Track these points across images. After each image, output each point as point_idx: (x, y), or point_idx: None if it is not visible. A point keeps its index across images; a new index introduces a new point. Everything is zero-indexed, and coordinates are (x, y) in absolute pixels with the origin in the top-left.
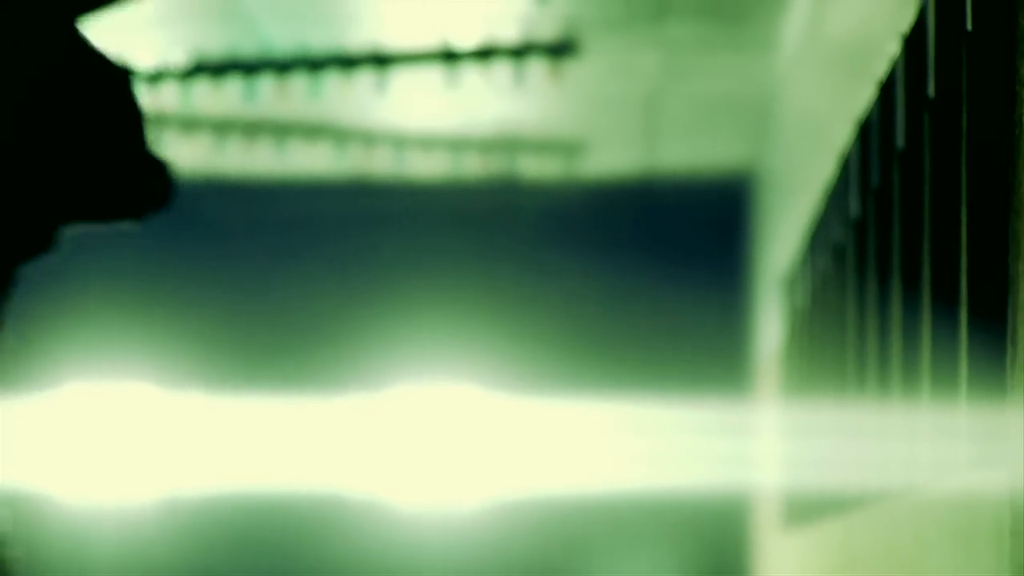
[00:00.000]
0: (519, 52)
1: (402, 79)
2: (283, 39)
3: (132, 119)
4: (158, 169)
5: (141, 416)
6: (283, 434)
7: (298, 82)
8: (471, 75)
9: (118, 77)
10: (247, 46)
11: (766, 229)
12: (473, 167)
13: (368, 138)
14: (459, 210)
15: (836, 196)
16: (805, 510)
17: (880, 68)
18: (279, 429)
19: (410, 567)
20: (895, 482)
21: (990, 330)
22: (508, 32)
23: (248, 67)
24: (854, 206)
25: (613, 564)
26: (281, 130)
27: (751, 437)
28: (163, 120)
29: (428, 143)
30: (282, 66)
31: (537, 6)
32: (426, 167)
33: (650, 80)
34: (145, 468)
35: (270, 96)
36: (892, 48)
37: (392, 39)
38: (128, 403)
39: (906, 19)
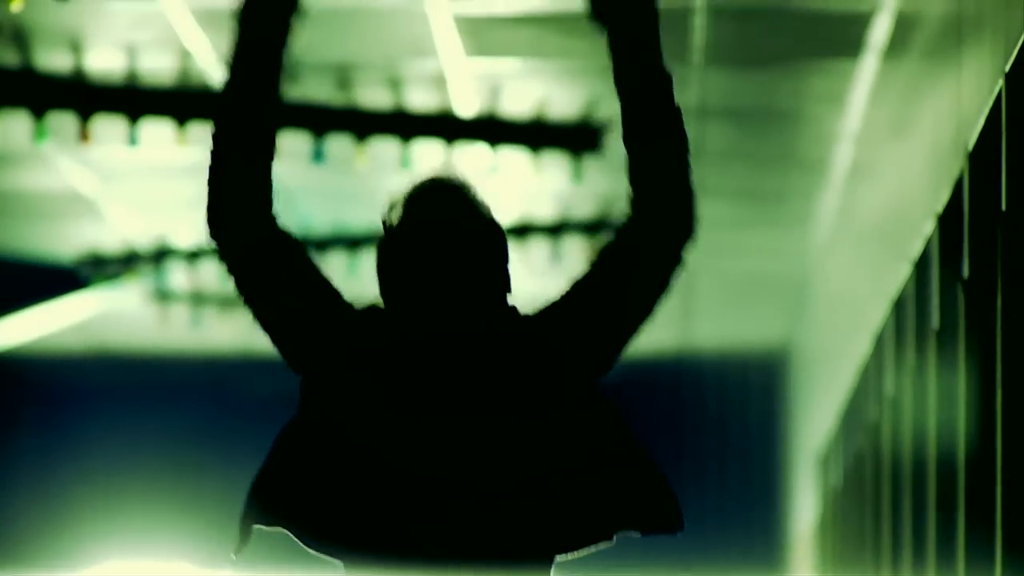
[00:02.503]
0: (555, 230)
1: None
2: (321, 218)
3: None
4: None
5: None
6: None
7: (336, 260)
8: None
9: None
10: (286, 225)
11: (800, 406)
12: None
13: None
14: None
15: (870, 374)
16: None
17: (915, 247)
18: None
19: None
20: None
21: None
22: (544, 210)
23: None
24: (889, 384)
25: None
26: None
27: None
28: (202, 299)
29: None
30: (320, 245)
31: (573, 184)
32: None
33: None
34: None
35: None
36: (927, 227)
37: None
38: None
39: (941, 198)
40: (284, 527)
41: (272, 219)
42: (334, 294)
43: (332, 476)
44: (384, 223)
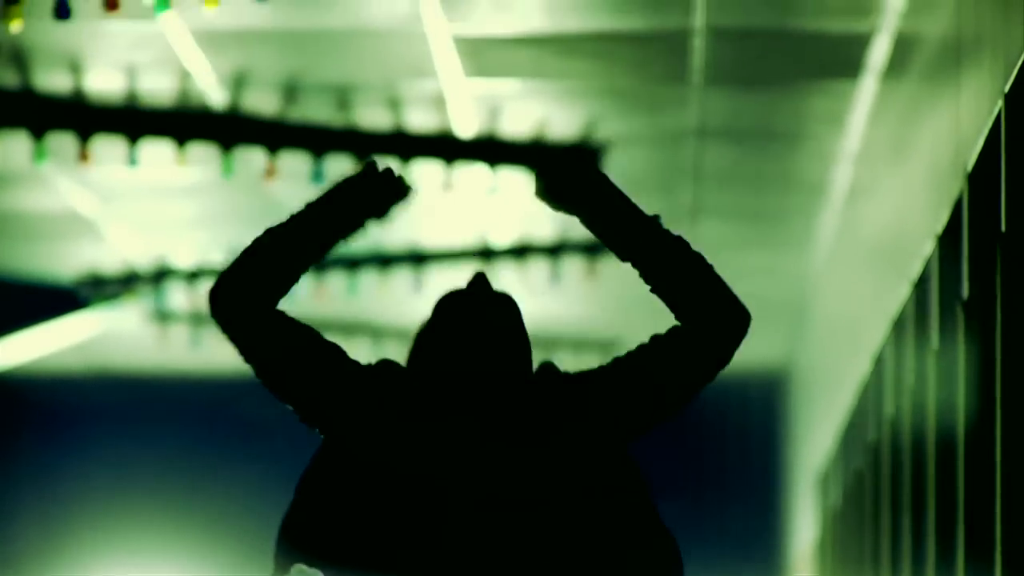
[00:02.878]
0: (554, 251)
1: (439, 278)
2: None
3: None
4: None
5: None
6: None
7: (336, 281)
8: (507, 274)
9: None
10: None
11: (800, 426)
12: None
13: (405, 336)
14: None
15: (870, 394)
16: None
17: (914, 267)
18: None
19: None
20: None
21: None
22: (543, 231)
23: None
24: (888, 404)
25: None
26: (319, 328)
27: None
28: (202, 319)
29: None
30: (320, 265)
31: None
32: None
33: None
34: None
35: (308, 294)
36: (926, 247)
37: (429, 238)
38: None
39: (940, 219)
40: (317, 566)
41: (268, 307)
42: (339, 354)
43: (363, 518)
44: (433, 317)
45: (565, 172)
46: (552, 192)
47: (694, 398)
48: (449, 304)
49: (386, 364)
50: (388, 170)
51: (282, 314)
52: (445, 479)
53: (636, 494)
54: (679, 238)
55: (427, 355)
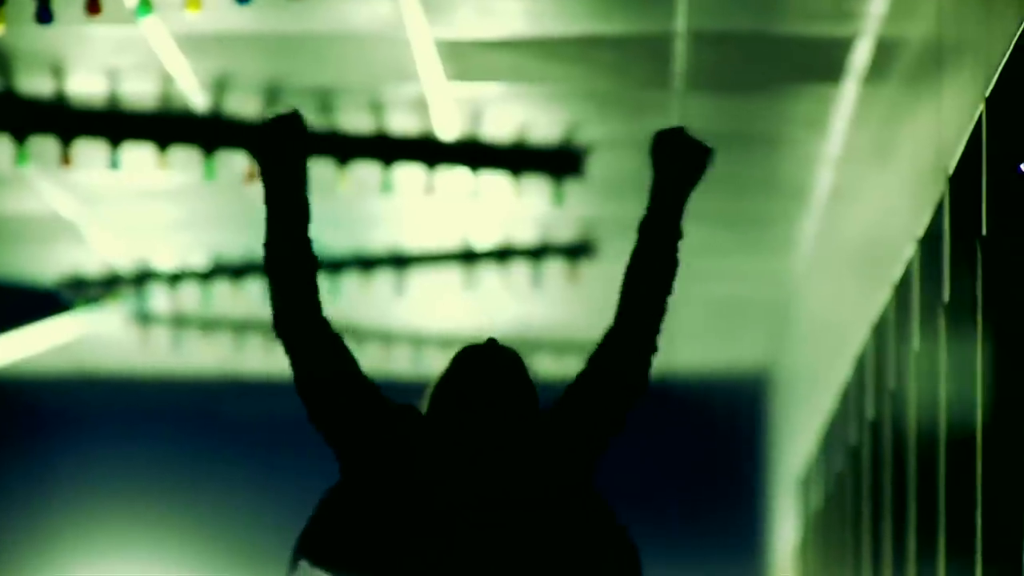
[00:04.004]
0: (536, 254)
1: (421, 280)
2: None
3: None
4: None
5: None
6: None
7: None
8: (489, 276)
9: None
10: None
11: (782, 430)
12: None
13: (387, 338)
14: None
15: (851, 397)
16: None
17: (895, 271)
18: None
19: None
20: None
21: (1006, 531)
22: (525, 234)
23: None
24: (869, 407)
25: None
26: None
27: None
28: (184, 321)
29: (447, 343)
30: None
31: (554, 208)
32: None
33: None
34: None
35: None
36: (907, 251)
37: (411, 241)
38: None
39: (922, 222)
40: (328, 570)
41: (324, 322)
42: (374, 389)
43: (374, 532)
44: (447, 372)
45: (694, 144)
46: (675, 142)
47: (630, 407)
48: (464, 359)
49: (408, 408)
50: (272, 119)
51: (337, 338)
52: (446, 504)
53: (605, 515)
54: (678, 259)
55: (442, 404)
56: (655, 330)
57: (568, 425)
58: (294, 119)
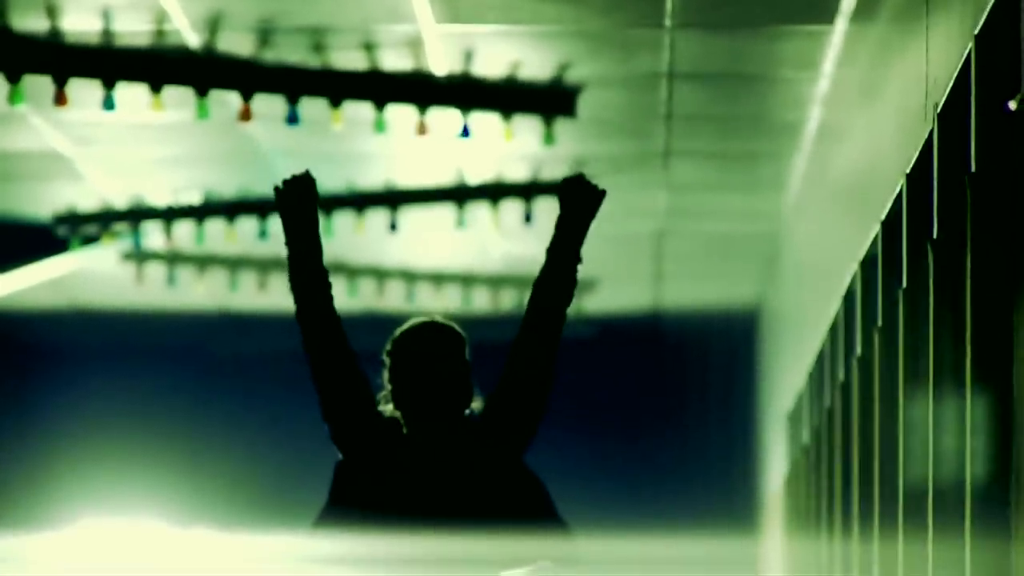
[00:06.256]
0: (527, 192)
1: (413, 218)
2: None
3: None
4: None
5: (151, 553)
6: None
7: None
8: (481, 214)
9: None
10: (261, 186)
11: (773, 365)
12: (482, 303)
13: (379, 274)
14: (470, 344)
15: (840, 333)
16: None
17: (884, 208)
18: (292, 568)
19: None
20: None
21: (994, 465)
22: (516, 173)
23: (262, 207)
24: (858, 344)
25: None
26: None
27: (757, 572)
28: (178, 258)
29: (438, 280)
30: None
31: (545, 147)
32: (437, 303)
33: (657, 220)
34: None
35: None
36: (896, 188)
37: (404, 180)
38: (139, 540)
39: (910, 158)
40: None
41: (355, 367)
42: (374, 403)
43: (370, 498)
44: (389, 353)
45: (587, 193)
46: (574, 188)
47: (542, 404)
48: (405, 350)
49: (392, 421)
50: (286, 181)
51: (361, 375)
52: (410, 465)
53: (528, 477)
54: (574, 282)
55: (398, 397)
56: (556, 332)
57: (494, 423)
58: (306, 179)
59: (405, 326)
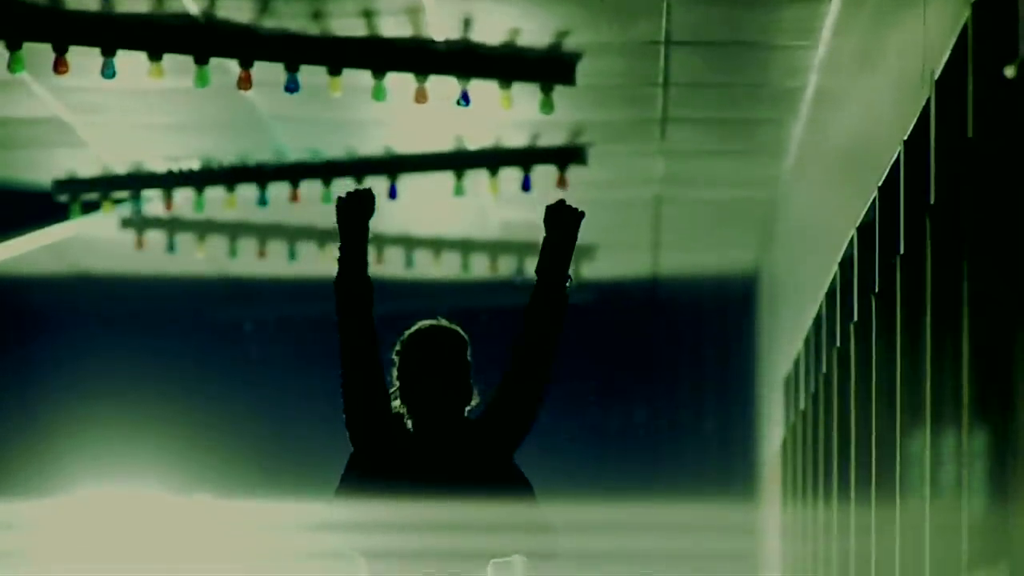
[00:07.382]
0: (527, 158)
1: (412, 185)
2: (296, 146)
3: None
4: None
5: (152, 521)
6: (300, 539)
7: (311, 188)
8: (480, 181)
9: None
10: (260, 153)
11: (770, 331)
12: (481, 269)
13: (378, 240)
14: (467, 311)
15: (837, 299)
16: None
17: (882, 174)
18: (295, 534)
19: None
20: None
21: (992, 432)
22: (515, 140)
23: (261, 173)
24: (855, 310)
25: None
26: (294, 235)
27: (755, 537)
28: (178, 225)
29: (437, 246)
30: (295, 172)
31: (544, 114)
32: (435, 269)
33: (655, 186)
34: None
35: (283, 202)
36: (894, 154)
37: (403, 146)
38: (139, 506)
39: (908, 125)
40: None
41: (377, 354)
42: (391, 412)
43: (377, 481)
44: (398, 353)
45: (568, 215)
46: (557, 213)
47: (536, 409)
48: (412, 351)
49: (399, 416)
50: (348, 194)
51: (384, 387)
52: (413, 460)
53: (516, 474)
54: (565, 300)
55: (405, 394)
56: (551, 346)
57: (489, 430)
58: (366, 195)
59: (413, 329)
